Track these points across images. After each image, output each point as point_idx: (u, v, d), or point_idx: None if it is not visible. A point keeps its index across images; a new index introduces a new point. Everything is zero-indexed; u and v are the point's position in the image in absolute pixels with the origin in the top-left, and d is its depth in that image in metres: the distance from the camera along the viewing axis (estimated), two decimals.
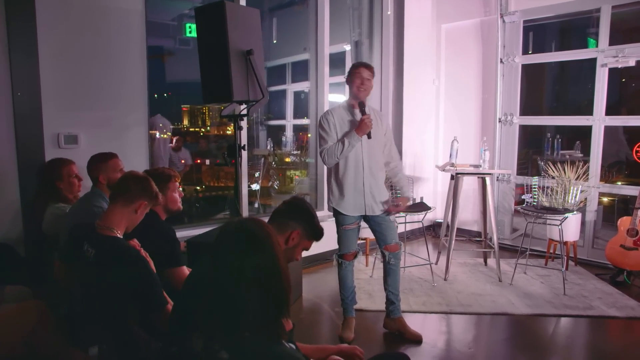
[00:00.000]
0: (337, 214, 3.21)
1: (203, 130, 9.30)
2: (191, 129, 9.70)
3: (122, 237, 2.03)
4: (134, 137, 3.66)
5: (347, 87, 3.26)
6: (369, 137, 3.02)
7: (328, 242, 3.36)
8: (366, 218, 3.21)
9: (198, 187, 7.25)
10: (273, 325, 1.26)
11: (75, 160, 3.13)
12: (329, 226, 3.39)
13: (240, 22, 3.33)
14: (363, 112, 3.03)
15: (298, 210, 1.93)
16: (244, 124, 4.59)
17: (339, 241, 3.25)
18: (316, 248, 4.64)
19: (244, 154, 4.67)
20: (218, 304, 1.25)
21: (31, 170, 3.15)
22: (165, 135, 7.63)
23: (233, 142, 3.53)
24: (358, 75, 3.09)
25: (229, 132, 8.20)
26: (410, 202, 3.26)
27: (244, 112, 3.52)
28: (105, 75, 3.51)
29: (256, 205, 6.33)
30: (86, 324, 2.30)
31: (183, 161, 7.40)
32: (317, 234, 1.94)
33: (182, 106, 9.35)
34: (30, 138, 3.19)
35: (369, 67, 3.13)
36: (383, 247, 3.24)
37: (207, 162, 7.68)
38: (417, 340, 3.19)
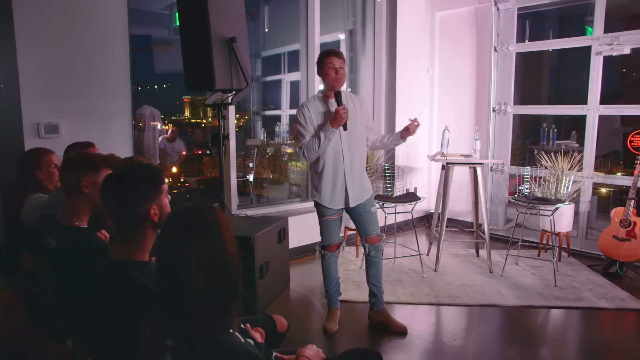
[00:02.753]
0: (318, 205, 3.15)
1: (205, 121, 9.26)
2: (192, 120, 9.66)
3: (86, 226, 2.00)
4: (117, 127, 3.61)
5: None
6: (345, 128, 2.92)
7: (317, 234, 3.32)
8: (348, 209, 3.16)
9: (199, 178, 7.24)
10: (220, 314, 1.22)
11: (56, 150, 3.09)
12: (314, 217, 3.36)
13: (223, 9, 3.26)
14: (339, 103, 2.92)
15: None
16: (232, 113, 4.57)
17: (321, 232, 3.20)
18: (305, 239, 4.66)
19: (232, 143, 4.65)
20: (164, 291, 1.22)
21: (10, 160, 3.10)
22: (165, 127, 7.62)
23: (217, 132, 3.49)
24: (331, 65, 2.96)
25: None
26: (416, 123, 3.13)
27: (228, 100, 3.47)
28: (87, 63, 3.46)
29: (251, 196, 6.30)
30: (58, 315, 2.27)
31: (183, 152, 7.38)
32: None
33: (184, 97, 9.30)
34: (8, 128, 3.15)
35: (339, 55, 3.00)
36: (363, 238, 3.19)
37: (208, 152, 7.67)
38: (402, 332, 3.15)
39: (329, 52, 3.01)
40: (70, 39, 3.37)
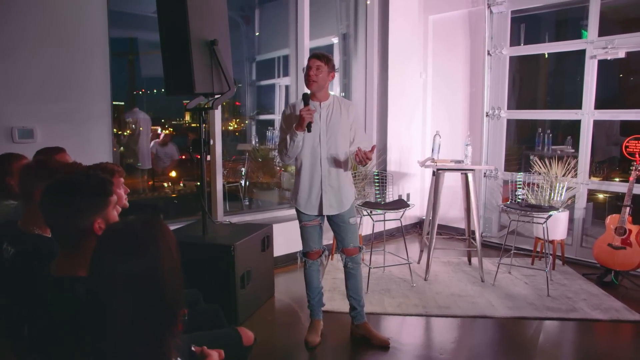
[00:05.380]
0: (297, 210, 3.06)
1: (205, 125, 9.14)
2: (193, 125, 9.57)
3: (49, 235, 1.89)
4: (95, 132, 3.51)
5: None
6: (309, 130, 2.79)
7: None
8: (327, 217, 3.05)
9: (199, 183, 7.14)
10: (153, 343, 1.10)
11: (31, 155, 2.97)
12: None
13: (203, 10, 3.17)
14: (305, 105, 2.81)
15: None
16: (217, 117, 4.48)
17: (301, 238, 3.09)
18: (293, 246, 4.55)
19: (218, 148, 4.56)
20: (91, 314, 1.10)
21: None
22: (165, 131, 7.52)
23: (198, 137, 3.39)
24: (309, 66, 2.89)
25: (230, 128, 8.11)
26: (369, 148, 2.81)
27: (212, 105, 3.38)
28: (64, 66, 3.36)
29: (246, 202, 6.20)
30: (23, 326, 2.17)
31: (182, 157, 7.28)
32: None
33: (184, 101, 9.20)
34: None
35: (318, 56, 2.91)
36: (340, 249, 3.09)
37: (208, 157, 7.59)
38: (384, 345, 3.02)
39: (311, 55, 2.97)
40: (46, 41, 3.27)
